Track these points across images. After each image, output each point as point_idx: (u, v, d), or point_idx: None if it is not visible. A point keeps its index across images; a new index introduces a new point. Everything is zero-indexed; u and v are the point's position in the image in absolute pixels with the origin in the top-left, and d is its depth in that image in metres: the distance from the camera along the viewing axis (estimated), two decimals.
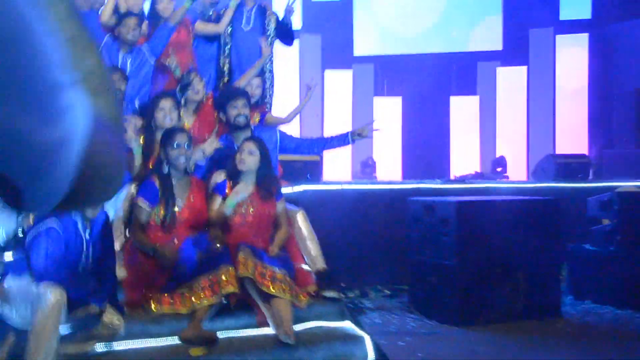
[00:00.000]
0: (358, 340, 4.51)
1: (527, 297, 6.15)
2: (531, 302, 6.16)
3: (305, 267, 5.01)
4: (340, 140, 5.60)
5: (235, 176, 4.89)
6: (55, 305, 3.47)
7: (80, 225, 3.97)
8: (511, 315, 6.10)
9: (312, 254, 5.03)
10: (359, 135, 5.54)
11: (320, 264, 5.00)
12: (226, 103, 5.45)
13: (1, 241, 4.44)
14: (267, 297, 4.45)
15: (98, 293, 3.86)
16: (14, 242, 3.84)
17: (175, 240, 4.61)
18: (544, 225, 6.37)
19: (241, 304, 4.56)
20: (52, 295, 3.48)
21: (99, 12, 6.18)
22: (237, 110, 5.35)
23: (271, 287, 4.41)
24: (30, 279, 3.71)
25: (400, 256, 7.17)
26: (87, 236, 4.00)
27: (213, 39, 6.71)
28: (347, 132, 5.64)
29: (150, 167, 5.08)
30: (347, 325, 4.72)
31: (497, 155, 10.96)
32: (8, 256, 3.85)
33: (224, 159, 5.17)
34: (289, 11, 6.75)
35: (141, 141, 5.20)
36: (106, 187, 0.82)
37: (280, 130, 5.65)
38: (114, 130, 0.77)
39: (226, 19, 6.33)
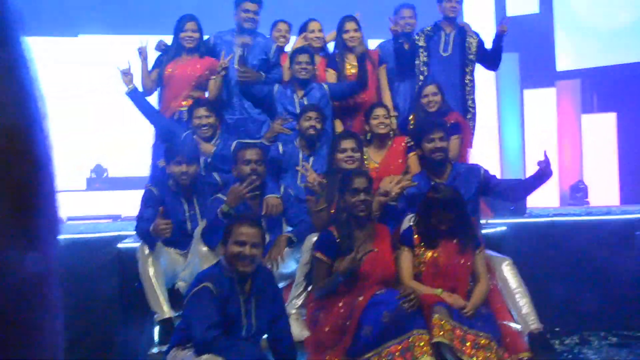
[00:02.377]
0: None
1: None
2: None
3: (514, 326, 4.42)
4: (542, 181, 4.98)
5: (424, 229, 4.47)
6: None
7: (238, 285, 3.78)
8: None
9: (522, 311, 4.45)
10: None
11: (534, 324, 4.42)
12: (422, 136, 5.02)
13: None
14: None
15: None
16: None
17: (360, 298, 4.22)
18: None
19: None
20: None
21: None
22: (434, 144, 4.92)
23: (473, 355, 3.95)
24: (192, 349, 3.62)
25: (629, 297, 6.59)
26: (246, 297, 3.81)
27: (405, 67, 6.42)
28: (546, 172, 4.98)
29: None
30: None
31: None
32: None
33: (418, 200, 4.74)
34: (500, 35, 6.34)
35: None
36: None
37: (485, 170, 5.07)
38: None
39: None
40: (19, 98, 0.56)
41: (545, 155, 4.77)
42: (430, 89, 5.79)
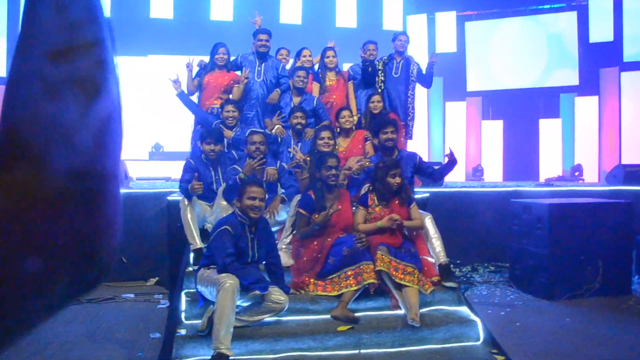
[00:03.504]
0: (472, 323, 3.86)
1: (604, 277, 5.39)
2: (607, 282, 5.40)
3: (430, 260, 4.39)
4: (451, 167, 4.97)
5: (378, 191, 4.42)
6: (230, 289, 3.35)
7: (247, 228, 3.75)
8: (591, 292, 5.36)
9: (436, 249, 4.42)
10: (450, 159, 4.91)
11: (443, 258, 4.38)
12: (378, 129, 4.95)
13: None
14: (399, 286, 3.93)
15: (261, 281, 3.61)
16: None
17: (328, 239, 4.19)
18: (617, 221, 5.54)
19: (378, 291, 4.04)
20: (229, 283, 3.37)
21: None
22: (387, 135, 4.85)
23: (403, 279, 3.92)
24: (215, 269, 3.61)
25: (502, 242, 6.57)
26: (252, 236, 3.78)
27: (369, 84, 6.34)
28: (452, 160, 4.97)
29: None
30: (464, 310, 4.08)
31: (575, 163, 10.02)
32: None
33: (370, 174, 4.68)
34: (431, 64, 6.33)
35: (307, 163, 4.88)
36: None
37: (419, 156, 5.04)
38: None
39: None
40: (109, 103, 0.51)
41: (450, 149, 4.76)
42: (376, 97, 5.76)
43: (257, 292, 3.59)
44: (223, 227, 3.68)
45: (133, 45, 10.19)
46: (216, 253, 3.61)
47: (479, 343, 3.76)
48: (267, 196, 4.86)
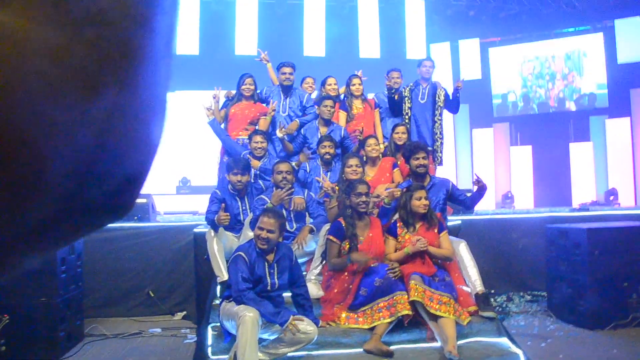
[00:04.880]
0: (513, 356, 3.61)
1: None
2: None
3: (466, 289, 4.16)
4: (482, 193, 4.76)
5: (402, 218, 4.28)
6: (250, 321, 3.19)
7: (262, 255, 3.65)
8: (637, 322, 5.06)
9: (472, 278, 4.20)
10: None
11: (480, 287, 4.17)
12: (410, 155, 4.80)
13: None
14: (435, 317, 3.72)
15: (282, 313, 3.42)
16: None
17: (359, 269, 4.02)
18: None
19: (413, 322, 3.83)
20: (248, 316, 3.22)
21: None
22: (418, 161, 4.69)
23: (438, 309, 3.71)
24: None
25: (538, 269, 6.37)
26: (269, 263, 3.65)
27: (395, 111, 6.25)
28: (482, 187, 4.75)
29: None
30: (504, 341, 3.83)
31: (609, 187, 9.69)
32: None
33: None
34: (457, 89, 6.18)
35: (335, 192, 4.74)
36: None
37: (452, 183, 4.85)
38: None
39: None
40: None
41: (477, 176, 4.59)
42: (400, 128, 5.62)
43: (277, 327, 3.43)
44: (237, 254, 3.62)
45: None
46: (231, 280, 3.54)
47: None
48: (295, 226, 4.75)
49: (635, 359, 4.20)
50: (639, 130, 10.19)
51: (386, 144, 5.87)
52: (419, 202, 4.15)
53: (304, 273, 4.49)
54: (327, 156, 5.20)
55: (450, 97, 6.29)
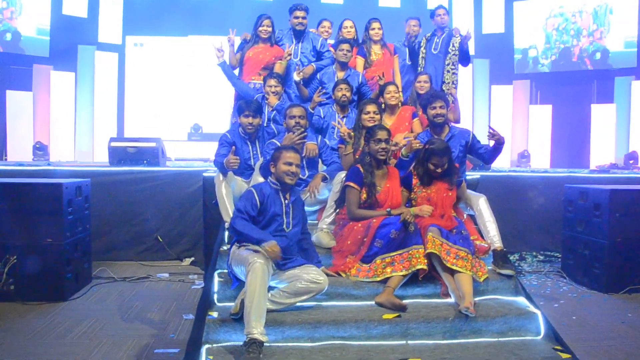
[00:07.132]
0: (531, 315, 3.38)
1: None
2: None
3: (483, 244, 3.92)
4: (500, 147, 4.42)
5: (418, 173, 3.99)
6: (260, 269, 2.99)
7: (280, 193, 3.46)
8: None
9: (490, 233, 3.96)
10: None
11: (499, 243, 3.93)
12: (427, 104, 4.47)
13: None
14: (451, 272, 3.50)
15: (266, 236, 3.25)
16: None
17: (374, 220, 3.74)
18: None
19: (427, 277, 3.60)
20: (258, 262, 3.01)
21: None
22: (435, 110, 4.38)
23: (455, 264, 3.49)
24: (246, 247, 3.26)
25: (553, 230, 6.26)
26: (286, 202, 3.47)
27: (415, 62, 5.98)
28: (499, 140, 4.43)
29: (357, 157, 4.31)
30: (521, 300, 3.59)
31: (630, 150, 9.35)
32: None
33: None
34: (465, 38, 5.74)
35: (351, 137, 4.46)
36: None
37: (472, 133, 4.53)
38: None
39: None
40: None
41: (492, 128, 4.24)
42: (423, 77, 5.30)
43: (294, 270, 3.28)
44: (249, 189, 3.46)
45: (173, 25, 10.07)
46: (236, 206, 3.40)
47: (539, 338, 3.32)
48: (307, 173, 4.52)
49: None
50: None
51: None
52: (434, 168, 3.89)
53: (316, 222, 4.32)
54: (344, 98, 4.93)
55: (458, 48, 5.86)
